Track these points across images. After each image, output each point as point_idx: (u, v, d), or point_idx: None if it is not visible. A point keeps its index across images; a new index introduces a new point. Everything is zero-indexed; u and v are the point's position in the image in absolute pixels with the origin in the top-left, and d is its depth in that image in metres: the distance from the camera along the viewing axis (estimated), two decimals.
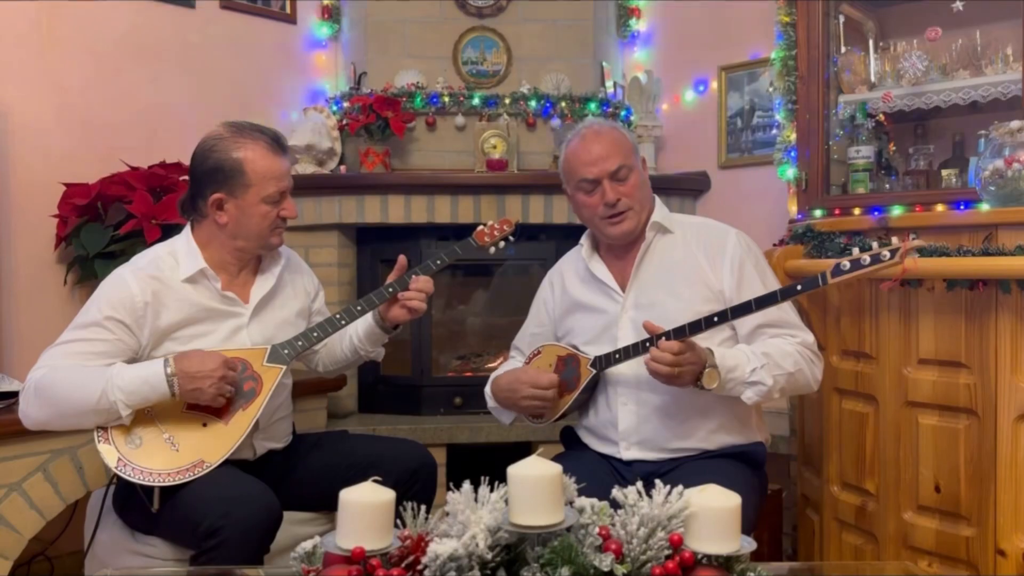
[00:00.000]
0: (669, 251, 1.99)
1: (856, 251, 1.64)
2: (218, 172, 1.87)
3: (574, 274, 2.10)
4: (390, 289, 2.03)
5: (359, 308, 2.03)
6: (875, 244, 1.63)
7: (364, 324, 2.10)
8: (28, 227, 2.74)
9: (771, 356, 1.81)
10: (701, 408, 1.91)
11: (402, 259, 2.06)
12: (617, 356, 1.89)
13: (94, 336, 1.80)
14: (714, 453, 1.92)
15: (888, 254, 1.59)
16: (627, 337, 1.94)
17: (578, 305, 2.05)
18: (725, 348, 1.83)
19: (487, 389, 2.11)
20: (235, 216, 1.89)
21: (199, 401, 1.79)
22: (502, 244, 2.21)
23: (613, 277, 2.01)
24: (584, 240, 2.09)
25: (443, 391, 3.33)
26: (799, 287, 1.72)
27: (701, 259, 1.96)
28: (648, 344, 1.82)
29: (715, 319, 1.74)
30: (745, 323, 1.88)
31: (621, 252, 2.02)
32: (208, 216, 1.91)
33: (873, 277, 1.74)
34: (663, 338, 1.75)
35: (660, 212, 2.01)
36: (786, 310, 1.93)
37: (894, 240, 1.61)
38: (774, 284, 1.97)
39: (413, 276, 2.05)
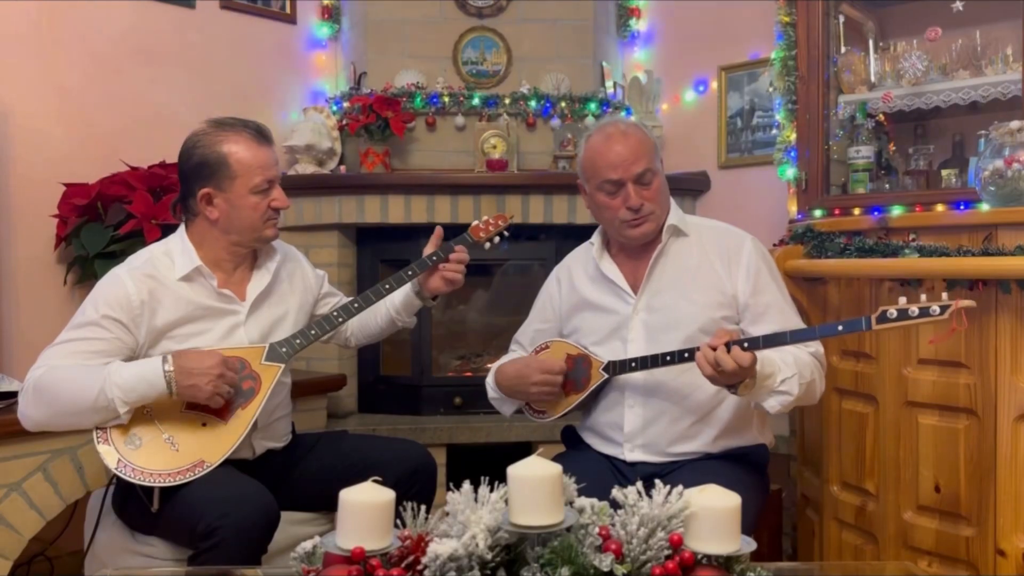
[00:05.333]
0: (684, 254, 1.97)
1: (905, 299, 1.61)
2: (203, 167, 1.88)
3: (583, 272, 2.07)
4: (433, 258, 2.07)
5: (356, 306, 2.05)
6: (924, 296, 1.60)
7: (402, 295, 2.14)
8: (28, 227, 2.74)
9: (798, 364, 1.80)
10: (707, 412, 1.90)
11: (439, 230, 2.11)
12: (633, 364, 1.87)
13: (92, 335, 1.80)
14: (716, 455, 1.92)
15: (938, 309, 1.56)
16: (637, 339, 1.93)
17: (587, 303, 2.03)
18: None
19: (489, 379, 2.09)
20: (225, 210, 1.90)
21: (196, 399, 1.78)
22: (497, 239, 2.21)
23: (625, 278, 1.99)
24: (595, 239, 2.06)
25: (443, 391, 3.33)
26: (840, 327, 1.69)
27: (716, 264, 1.94)
28: (669, 358, 1.80)
29: (745, 344, 1.69)
30: (759, 330, 1.87)
31: (634, 253, 2.00)
32: (199, 213, 1.91)
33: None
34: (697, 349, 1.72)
35: (676, 214, 1.99)
36: (797, 319, 1.93)
37: (944, 296, 1.58)
38: (786, 293, 1.97)
39: (456, 247, 2.09)
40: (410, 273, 2.08)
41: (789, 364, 1.79)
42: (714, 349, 1.67)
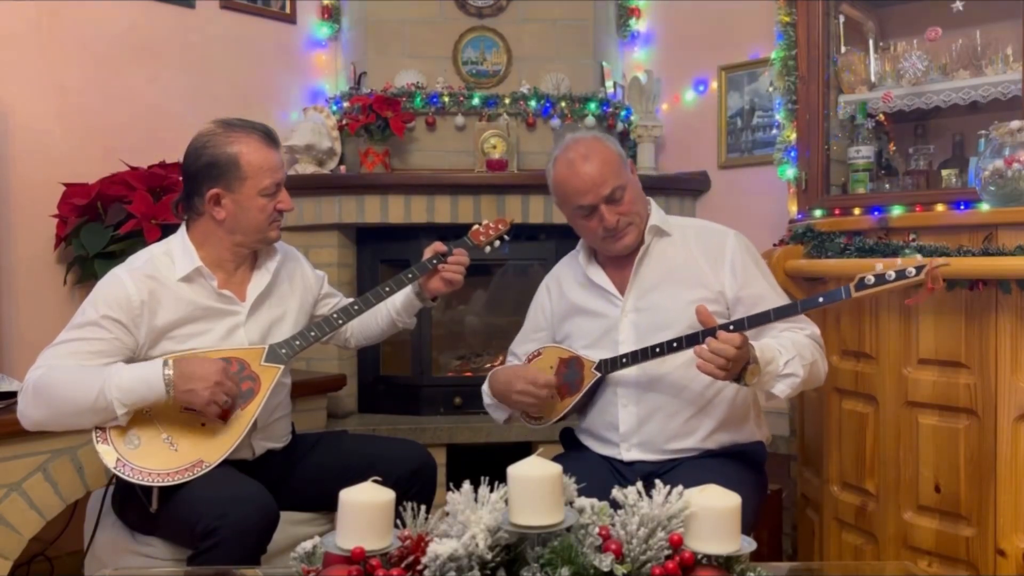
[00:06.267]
0: (668, 253, 1.98)
1: (880, 266, 1.62)
2: (213, 168, 1.88)
3: (572, 279, 2.09)
4: (434, 260, 2.09)
5: (356, 307, 2.06)
6: (900, 260, 1.61)
7: (402, 296, 2.15)
8: (28, 227, 2.74)
9: (796, 346, 1.81)
10: (701, 408, 1.90)
11: (438, 244, 2.13)
12: (624, 360, 1.88)
13: (91, 336, 1.80)
14: (714, 453, 1.92)
15: (914, 270, 1.58)
16: (628, 340, 1.94)
17: (577, 309, 2.04)
18: (754, 341, 1.80)
19: (484, 386, 2.10)
20: (233, 211, 1.90)
21: (192, 405, 1.78)
22: (497, 243, 2.22)
23: (612, 282, 2.00)
24: (580, 248, 2.08)
25: (443, 391, 3.33)
26: (821, 299, 1.70)
27: (701, 261, 1.95)
28: (659, 350, 1.81)
29: (731, 327, 1.71)
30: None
31: (619, 257, 2.01)
32: (205, 213, 1.91)
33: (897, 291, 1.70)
34: (702, 334, 1.73)
35: (657, 215, 2.00)
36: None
37: (918, 257, 1.59)
38: (773, 281, 1.98)
39: (455, 249, 2.11)
40: (410, 276, 2.09)
41: (787, 347, 1.79)
42: (708, 334, 1.69)
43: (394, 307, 2.18)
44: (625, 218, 1.91)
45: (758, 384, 1.76)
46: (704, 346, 1.69)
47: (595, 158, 1.90)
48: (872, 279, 1.62)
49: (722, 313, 1.91)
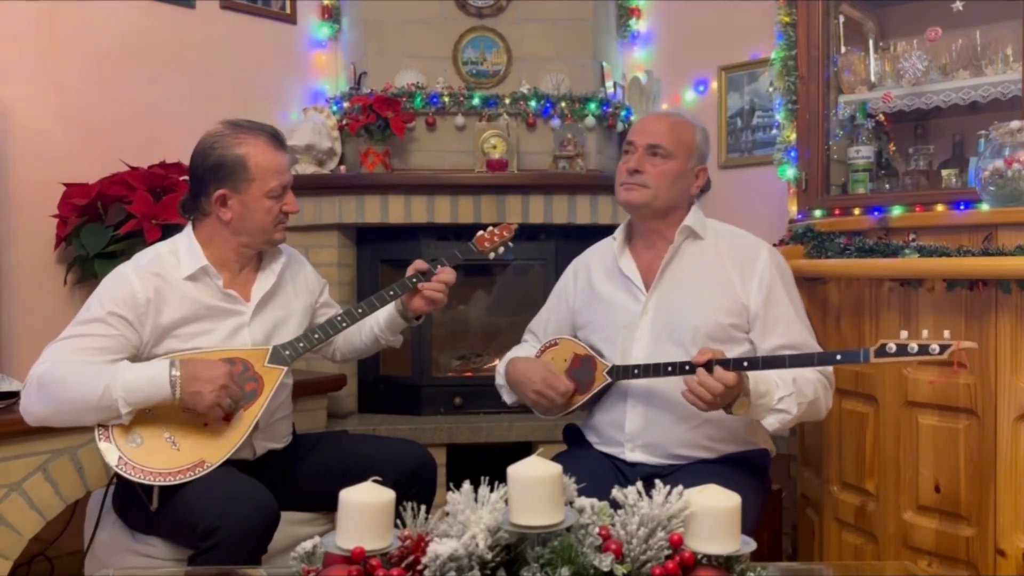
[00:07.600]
0: (698, 257, 1.97)
1: (905, 334, 1.61)
2: (220, 168, 1.88)
3: (600, 266, 2.09)
4: (413, 279, 2.07)
5: (360, 311, 2.05)
6: (926, 332, 1.60)
7: (386, 313, 2.14)
8: (28, 227, 2.74)
9: (797, 383, 1.79)
10: (710, 417, 1.88)
11: (420, 262, 2.10)
12: (636, 371, 1.87)
13: (96, 332, 1.80)
14: (717, 459, 1.91)
15: (937, 348, 1.56)
16: (644, 338, 1.94)
17: (599, 299, 2.04)
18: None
19: (500, 366, 2.10)
20: (239, 212, 1.90)
21: (197, 407, 1.78)
22: (502, 250, 2.22)
23: (640, 275, 1.99)
24: (618, 232, 2.07)
25: (443, 391, 3.33)
26: (838, 356, 1.71)
27: (731, 270, 1.93)
28: (671, 368, 1.80)
29: (745, 364, 1.71)
30: (767, 343, 1.88)
31: (651, 250, 2.01)
32: (211, 213, 1.92)
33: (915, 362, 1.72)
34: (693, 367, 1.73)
35: (693, 217, 1.99)
36: (808, 333, 1.93)
37: (946, 333, 1.58)
38: (800, 306, 1.96)
39: (439, 267, 2.08)
40: (414, 280, 2.07)
41: (787, 382, 1.78)
42: (699, 366, 1.70)
43: (377, 323, 2.17)
44: (646, 177, 1.93)
45: (746, 416, 1.77)
46: (695, 379, 1.70)
47: (668, 119, 2.02)
48: (894, 348, 1.60)
49: (740, 326, 1.91)
